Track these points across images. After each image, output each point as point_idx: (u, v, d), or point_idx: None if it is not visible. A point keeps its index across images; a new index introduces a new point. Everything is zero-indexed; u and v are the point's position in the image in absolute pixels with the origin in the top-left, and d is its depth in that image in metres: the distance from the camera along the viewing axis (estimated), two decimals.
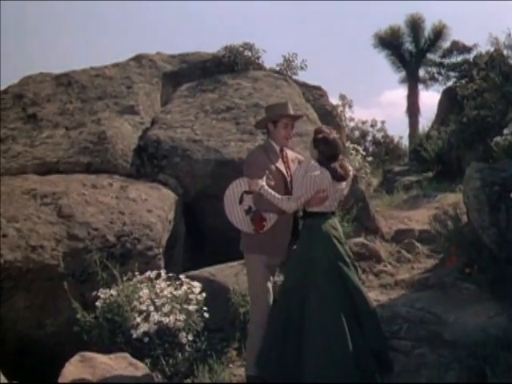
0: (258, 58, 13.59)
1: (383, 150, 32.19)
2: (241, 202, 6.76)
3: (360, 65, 70.04)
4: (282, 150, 6.92)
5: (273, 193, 6.52)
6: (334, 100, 33.01)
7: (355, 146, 15.31)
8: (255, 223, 6.67)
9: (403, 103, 37.59)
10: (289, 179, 6.77)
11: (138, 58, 13.56)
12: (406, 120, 36.60)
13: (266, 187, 6.54)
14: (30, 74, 13.31)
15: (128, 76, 12.87)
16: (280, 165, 6.82)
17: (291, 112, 7.01)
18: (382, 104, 61.36)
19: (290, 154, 7.00)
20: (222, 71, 13.30)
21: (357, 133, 35.17)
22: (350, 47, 75.51)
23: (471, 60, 27.93)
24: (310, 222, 6.59)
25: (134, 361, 7.29)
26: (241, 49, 13.46)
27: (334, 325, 6.20)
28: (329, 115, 14.02)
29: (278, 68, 13.80)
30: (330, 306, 6.24)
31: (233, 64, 13.29)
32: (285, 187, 6.75)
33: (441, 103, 23.15)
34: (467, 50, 35.30)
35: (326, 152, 6.54)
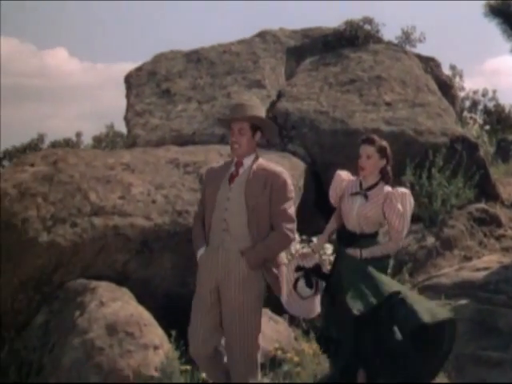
0: (378, 31, 13.81)
1: (495, 119, 31.73)
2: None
3: (459, 32, 68.53)
4: (237, 164, 5.73)
5: (381, 249, 6.01)
6: (445, 70, 32.66)
7: (472, 115, 15.30)
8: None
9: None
10: (229, 200, 5.61)
11: (262, 34, 13.95)
12: None
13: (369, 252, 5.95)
14: (162, 52, 13.91)
15: (254, 51, 13.28)
16: (219, 185, 5.68)
17: (242, 115, 5.66)
18: (485, 72, 59.86)
19: (256, 165, 5.69)
20: (342, 45, 13.54)
21: (467, 102, 34.69)
22: (450, 16, 73.96)
23: None
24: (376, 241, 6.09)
25: (275, 316, 7.79)
26: (361, 23, 13.69)
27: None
28: (444, 86, 14.10)
29: (396, 41, 13.98)
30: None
31: (353, 38, 13.53)
32: (218, 210, 5.64)
33: None
34: None
35: (390, 160, 6.13)
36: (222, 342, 5.77)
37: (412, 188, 9.92)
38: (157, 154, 9.79)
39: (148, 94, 12.57)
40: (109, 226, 8.21)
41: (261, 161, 5.75)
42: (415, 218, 9.78)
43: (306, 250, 6.34)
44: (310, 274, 6.07)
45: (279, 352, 7.17)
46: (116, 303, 7.33)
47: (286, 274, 5.98)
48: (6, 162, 34.35)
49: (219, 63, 13.01)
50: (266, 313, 7.70)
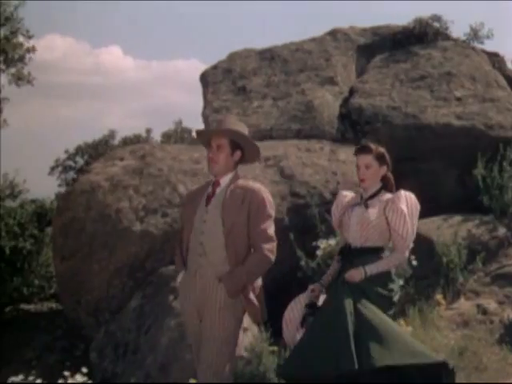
0: (446, 28, 13.89)
1: None
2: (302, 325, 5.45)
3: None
4: (215, 184, 5.29)
5: (387, 261, 5.39)
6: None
7: None
8: None
9: None
10: (205, 223, 5.17)
11: (333, 33, 14.11)
12: None
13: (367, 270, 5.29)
14: (236, 50, 14.23)
15: (325, 49, 13.49)
16: (197, 207, 5.27)
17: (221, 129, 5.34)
18: None
19: (234, 184, 5.24)
20: (411, 43, 13.65)
21: None
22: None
23: None
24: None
25: None
26: (430, 21, 13.80)
27: None
28: (509, 80, 14.15)
29: (464, 38, 14.03)
30: None
31: (422, 35, 13.62)
32: (194, 233, 5.22)
33: None
34: None
35: (390, 166, 5.67)
36: None
37: (483, 181, 10.11)
38: None
39: (224, 91, 12.90)
40: None
41: (239, 180, 5.27)
42: (486, 210, 10.01)
43: (315, 285, 5.61)
44: None
45: None
46: None
47: (292, 308, 5.57)
48: (78, 158, 35.27)
49: (292, 61, 13.27)
50: None
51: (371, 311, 5.14)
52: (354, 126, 11.31)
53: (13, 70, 12.73)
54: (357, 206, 5.50)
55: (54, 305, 11.70)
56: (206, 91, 13.27)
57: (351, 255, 5.42)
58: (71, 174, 35.14)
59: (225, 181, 5.20)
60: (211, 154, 5.19)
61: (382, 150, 5.58)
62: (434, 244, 8.99)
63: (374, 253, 5.37)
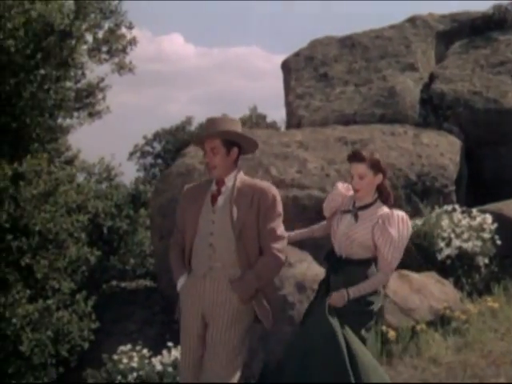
0: None
1: None
2: None
3: None
4: (219, 182, 4.98)
5: (370, 284, 4.99)
6: None
7: None
8: None
9: None
10: (214, 224, 4.89)
11: (412, 20, 14.22)
12: None
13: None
14: (317, 38, 14.46)
15: (405, 36, 13.63)
16: (201, 207, 4.95)
17: (211, 132, 4.91)
18: None
19: (240, 182, 4.96)
20: (490, 29, 13.68)
21: None
22: None
23: None
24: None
25: (441, 279, 8.32)
26: (509, 7, 13.78)
27: None
28: None
29: None
30: None
31: (502, 21, 13.64)
32: (201, 234, 4.92)
33: None
34: None
35: (386, 174, 5.19)
36: None
37: None
38: (325, 133, 10.47)
39: (307, 77, 13.17)
40: (289, 197, 8.94)
41: (244, 177, 5.01)
42: None
43: None
44: None
45: (447, 311, 7.66)
46: (302, 264, 8.05)
47: None
48: (156, 144, 35.86)
49: (372, 48, 13.45)
50: (433, 276, 8.27)
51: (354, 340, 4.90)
52: (436, 111, 11.48)
53: (116, 60, 13.27)
54: (347, 213, 5.14)
55: (148, 282, 12.15)
56: (288, 78, 13.56)
57: (336, 264, 5.12)
58: (149, 160, 35.71)
59: (230, 179, 4.93)
60: (207, 158, 4.93)
61: (376, 156, 5.08)
62: None
63: (361, 265, 5.04)
